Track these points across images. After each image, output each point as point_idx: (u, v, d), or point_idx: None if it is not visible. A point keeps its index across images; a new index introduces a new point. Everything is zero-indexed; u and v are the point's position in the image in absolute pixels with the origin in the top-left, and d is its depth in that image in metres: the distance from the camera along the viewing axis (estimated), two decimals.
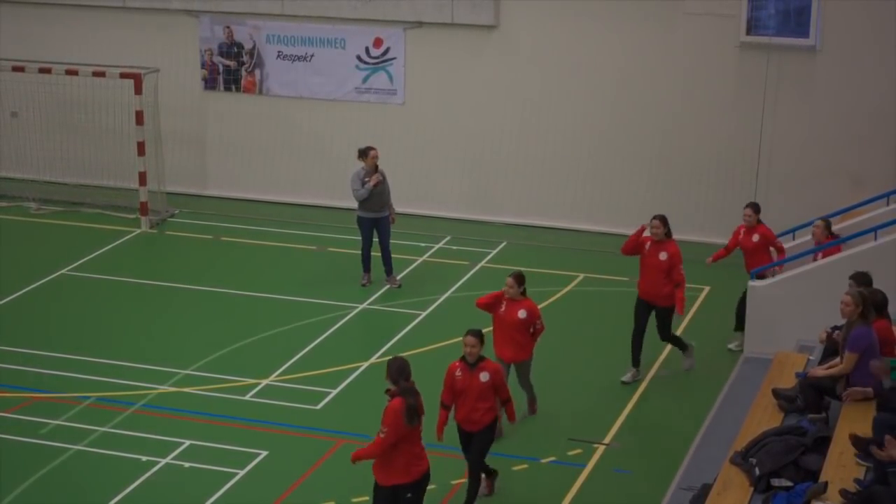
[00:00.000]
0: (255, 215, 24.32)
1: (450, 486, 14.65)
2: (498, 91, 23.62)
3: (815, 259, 18.00)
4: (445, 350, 18.22)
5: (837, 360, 14.11)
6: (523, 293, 15.61)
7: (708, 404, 16.46)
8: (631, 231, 17.55)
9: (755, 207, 18.38)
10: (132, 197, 24.10)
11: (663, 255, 16.84)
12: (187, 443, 15.69)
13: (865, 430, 12.80)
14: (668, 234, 17.00)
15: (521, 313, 15.47)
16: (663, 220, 16.96)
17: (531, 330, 15.54)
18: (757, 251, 18.23)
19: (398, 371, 12.57)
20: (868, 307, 13.76)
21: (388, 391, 12.60)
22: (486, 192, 23.99)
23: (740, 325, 18.32)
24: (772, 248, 18.34)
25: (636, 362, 17.42)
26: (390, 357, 13.03)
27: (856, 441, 12.44)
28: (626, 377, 17.36)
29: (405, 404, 12.36)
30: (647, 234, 17.13)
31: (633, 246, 17.14)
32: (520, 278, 15.62)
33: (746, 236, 18.27)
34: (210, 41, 24.91)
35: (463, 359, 13.77)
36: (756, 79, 22.06)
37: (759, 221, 18.31)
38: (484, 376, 13.68)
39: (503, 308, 15.55)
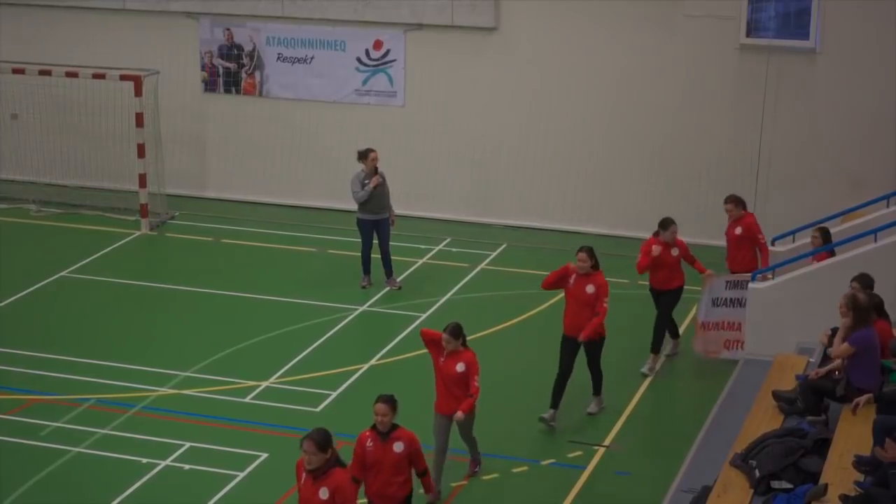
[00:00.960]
0: (256, 217, 24.32)
1: (450, 488, 14.64)
2: (498, 93, 23.62)
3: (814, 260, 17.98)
4: None
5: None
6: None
7: (708, 406, 16.44)
8: (630, 232, 17.59)
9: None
10: (132, 199, 24.10)
11: (590, 288, 15.87)
12: (187, 445, 15.70)
13: (865, 431, 12.80)
14: (596, 265, 16.05)
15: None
16: (590, 252, 16.01)
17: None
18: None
19: (327, 441, 11.74)
20: (862, 312, 13.73)
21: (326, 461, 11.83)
22: (486, 193, 24.00)
23: (657, 346, 17.85)
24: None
25: (556, 404, 16.10)
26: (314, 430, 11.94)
27: (858, 462, 12.37)
28: (546, 415, 16.10)
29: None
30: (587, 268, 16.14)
31: (555, 280, 16.11)
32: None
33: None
34: (210, 43, 24.92)
35: (374, 427, 12.53)
36: (756, 81, 22.07)
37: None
38: (398, 447, 12.45)
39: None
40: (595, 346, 16.19)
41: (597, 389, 16.60)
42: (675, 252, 17.64)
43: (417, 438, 12.60)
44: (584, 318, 15.88)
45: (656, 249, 17.45)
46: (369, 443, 12.48)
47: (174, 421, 16.35)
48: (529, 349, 18.34)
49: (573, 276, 16.00)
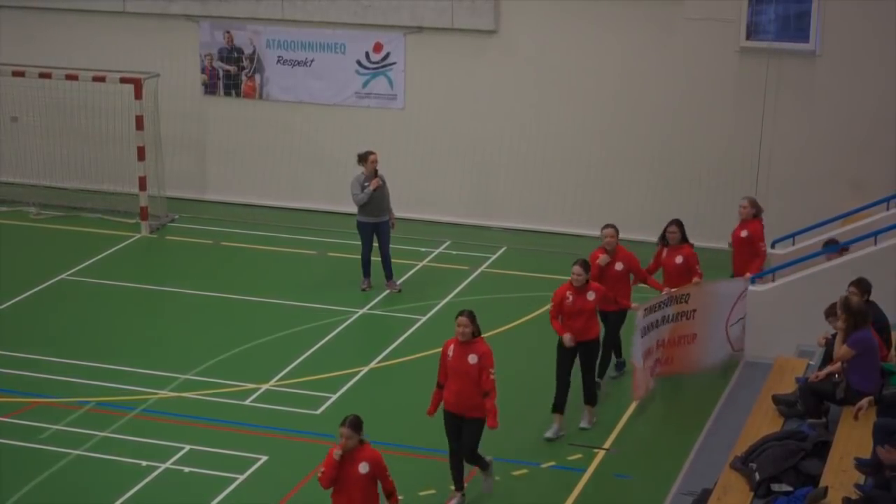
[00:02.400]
0: (255, 220, 24.32)
1: (449, 491, 14.63)
2: (498, 96, 23.63)
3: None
4: None
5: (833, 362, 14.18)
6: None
7: (708, 409, 16.45)
8: (631, 235, 17.56)
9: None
10: (132, 202, 24.11)
11: (472, 358, 13.65)
12: (187, 447, 15.69)
13: (865, 433, 12.81)
14: (477, 332, 13.77)
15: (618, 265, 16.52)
16: (471, 317, 13.74)
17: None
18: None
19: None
20: (855, 316, 13.73)
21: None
22: (486, 196, 24.00)
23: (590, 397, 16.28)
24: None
25: (459, 486, 14.39)
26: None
27: (859, 464, 12.37)
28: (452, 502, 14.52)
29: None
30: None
31: (442, 367, 13.97)
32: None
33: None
34: (210, 46, 24.93)
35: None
36: (756, 83, 22.07)
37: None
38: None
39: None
40: (477, 426, 14.02)
41: (482, 467, 14.54)
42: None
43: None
44: (468, 395, 13.81)
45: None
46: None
47: (174, 424, 16.34)
48: (529, 352, 18.33)
49: (451, 347, 13.88)
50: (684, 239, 17.52)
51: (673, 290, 16.84)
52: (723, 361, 17.42)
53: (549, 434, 15.91)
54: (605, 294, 15.92)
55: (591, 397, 16.20)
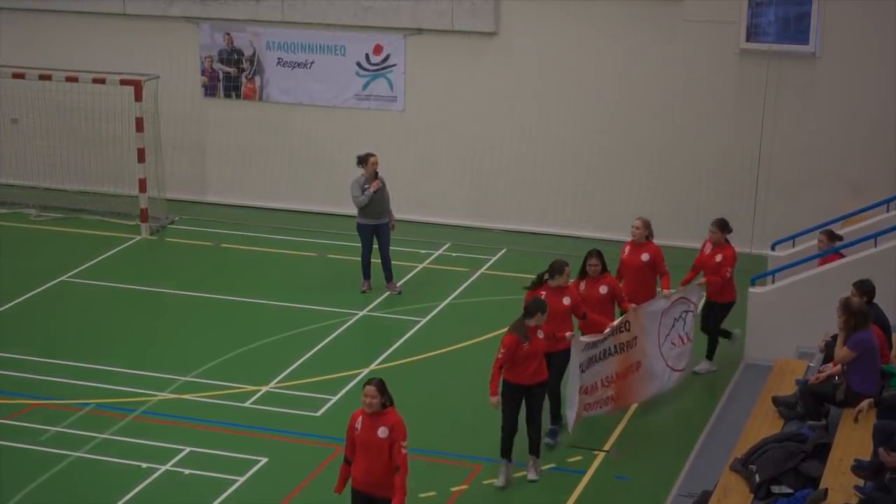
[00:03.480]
0: (255, 222, 24.32)
1: (449, 493, 14.64)
2: (498, 98, 23.63)
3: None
4: (445, 357, 18.25)
5: (830, 365, 14.17)
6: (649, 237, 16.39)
7: (708, 411, 16.47)
8: (628, 237, 17.46)
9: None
10: (132, 203, 24.11)
11: (382, 432, 12.24)
12: (187, 449, 15.69)
13: (865, 436, 12.81)
14: (386, 403, 12.38)
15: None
16: (380, 386, 12.34)
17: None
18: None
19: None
20: (856, 316, 13.73)
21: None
22: (486, 198, 24.00)
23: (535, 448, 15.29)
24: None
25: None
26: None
27: (858, 466, 12.36)
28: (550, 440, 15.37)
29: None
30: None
31: (349, 440, 12.56)
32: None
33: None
34: (210, 48, 24.93)
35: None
36: (756, 85, 22.07)
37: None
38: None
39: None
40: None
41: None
42: (566, 301, 15.56)
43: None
44: (377, 473, 12.34)
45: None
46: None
47: (174, 425, 16.34)
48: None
49: (359, 419, 12.45)
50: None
51: (615, 323, 15.81)
52: (675, 383, 16.85)
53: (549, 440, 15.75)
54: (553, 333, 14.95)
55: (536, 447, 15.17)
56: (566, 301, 15.46)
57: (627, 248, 17.27)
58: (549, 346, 14.88)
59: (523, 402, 14.65)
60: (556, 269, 15.46)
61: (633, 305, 16.15)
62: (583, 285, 16.19)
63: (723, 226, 17.38)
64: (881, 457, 11.82)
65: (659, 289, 17.09)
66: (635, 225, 17.16)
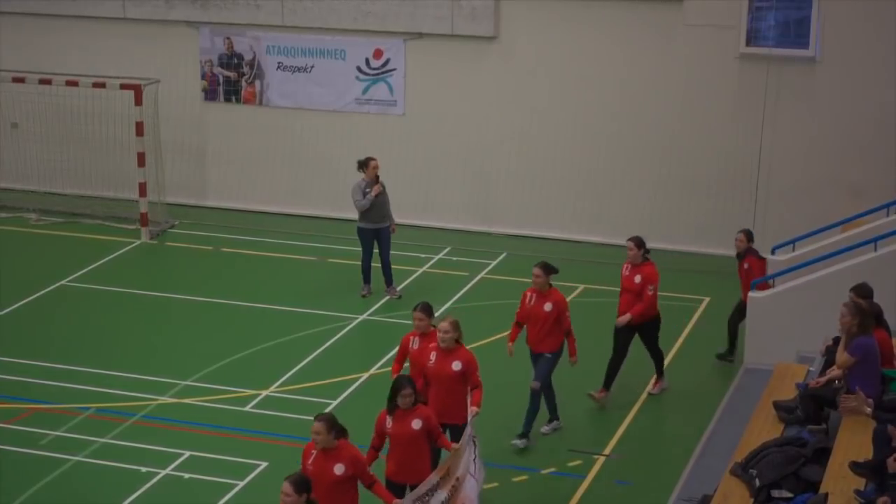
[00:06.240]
0: (256, 226, 24.33)
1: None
2: (498, 102, 23.64)
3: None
4: None
5: (832, 369, 14.16)
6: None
7: (708, 415, 16.46)
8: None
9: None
10: (132, 208, 24.12)
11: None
12: (187, 454, 15.69)
13: (865, 440, 12.80)
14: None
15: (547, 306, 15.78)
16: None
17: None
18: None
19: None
20: (866, 318, 13.76)
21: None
22: (486, 202, 24.01)
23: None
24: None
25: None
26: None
27: (855, 467, 12.36)
28: (546, 428, 15.88)
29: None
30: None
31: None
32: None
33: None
34: (210, 52, 24.95)
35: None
36: (756, 90, 22.08)
37: (645, 260, 16.75)
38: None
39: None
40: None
41: (609, 382, 16.89)
42: (547, 307, 15.70)
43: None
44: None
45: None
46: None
47: (174, 430, 16.35)
48: (529, 358, 18.27)
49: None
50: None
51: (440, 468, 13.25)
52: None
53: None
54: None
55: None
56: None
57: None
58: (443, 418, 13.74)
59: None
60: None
61: (456, 445, 13.46)
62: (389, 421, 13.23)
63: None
64: (889, 466, 11.80)
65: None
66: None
